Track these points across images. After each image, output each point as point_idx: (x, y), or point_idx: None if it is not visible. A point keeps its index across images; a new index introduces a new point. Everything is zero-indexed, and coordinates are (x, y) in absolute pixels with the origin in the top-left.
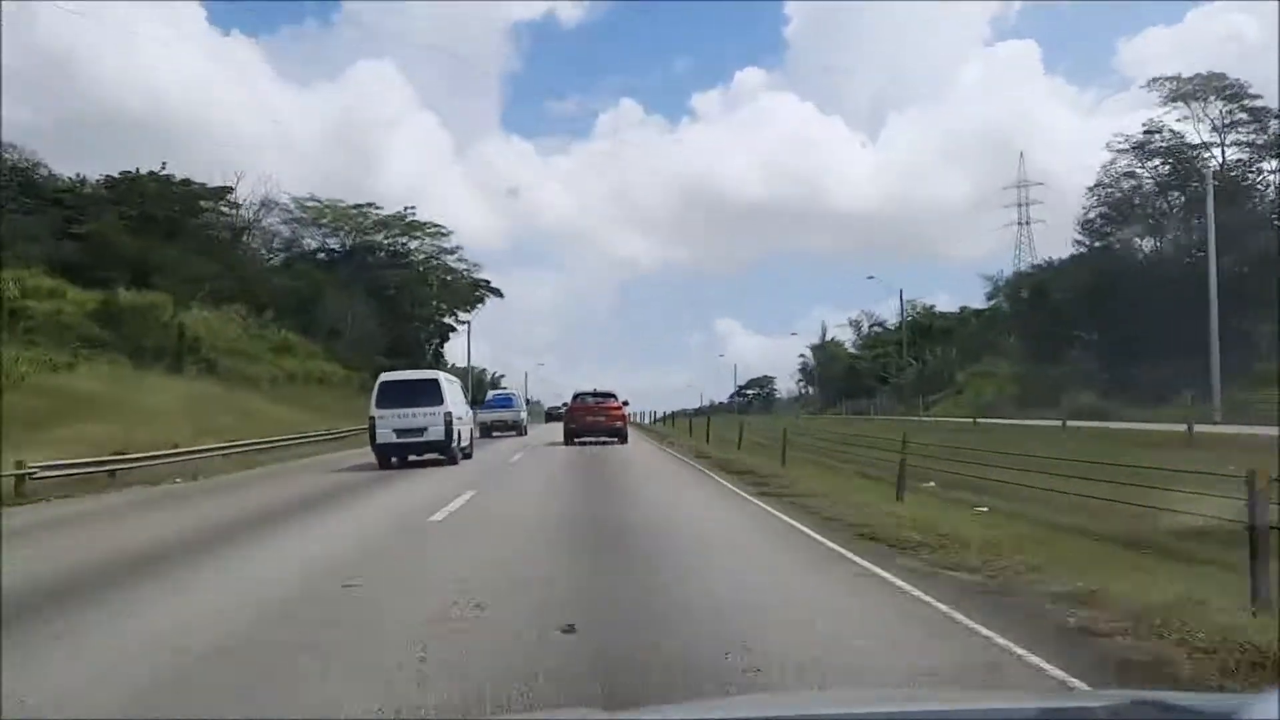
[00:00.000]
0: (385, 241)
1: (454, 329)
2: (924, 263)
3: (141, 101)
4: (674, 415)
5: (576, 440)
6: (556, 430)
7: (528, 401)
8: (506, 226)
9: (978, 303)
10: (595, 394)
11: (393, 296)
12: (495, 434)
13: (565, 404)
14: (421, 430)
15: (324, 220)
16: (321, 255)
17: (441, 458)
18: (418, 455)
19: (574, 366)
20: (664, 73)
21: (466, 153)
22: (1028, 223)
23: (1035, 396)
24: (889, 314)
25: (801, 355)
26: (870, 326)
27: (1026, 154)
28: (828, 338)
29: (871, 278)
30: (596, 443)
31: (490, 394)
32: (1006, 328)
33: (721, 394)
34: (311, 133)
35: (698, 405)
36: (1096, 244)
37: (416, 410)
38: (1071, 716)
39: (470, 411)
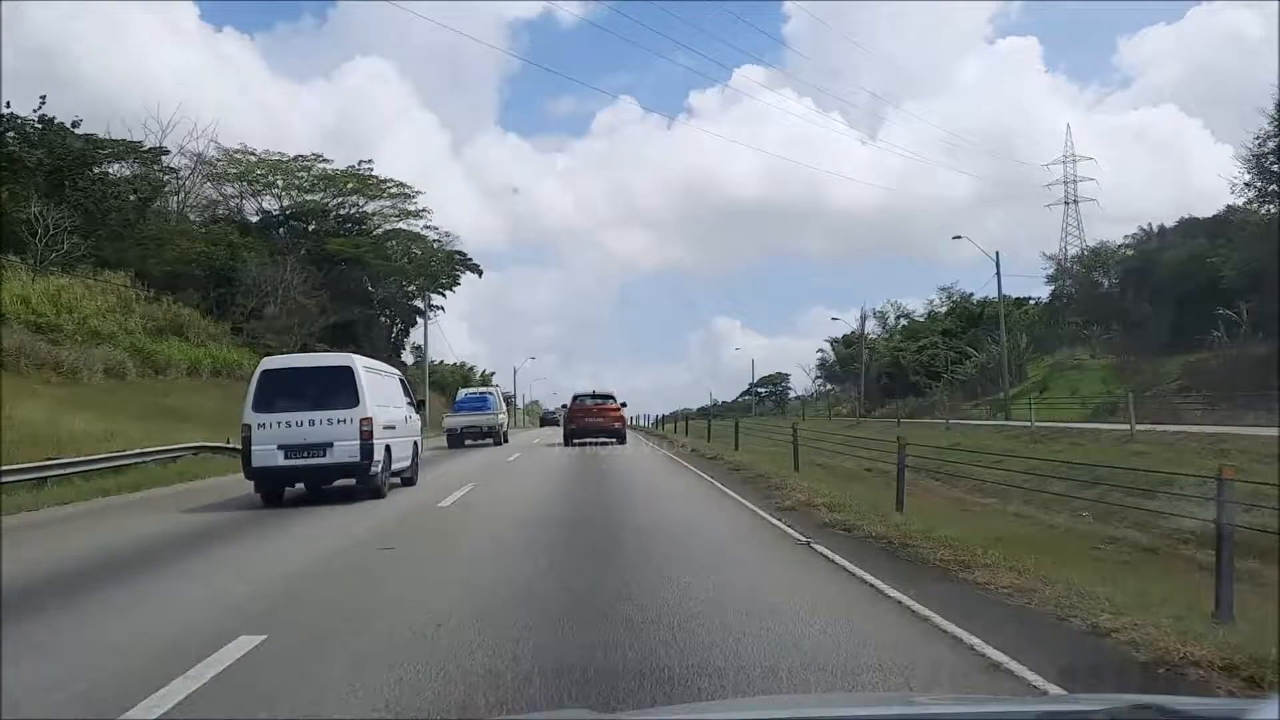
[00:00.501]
0: (335, 203)
1: (422, 313)
2: (926, 260)
3: (132, 100)
4: (666, 419)
5: (575, 441)
6: (550, 435)
7: (509, 399)
8: (504, 224)
9: (1002, 291)
10: (594, 395)
11: (344, 270)
12: (469, 443)
13: (564, 406)
14: (323, 447)
15: (255, 175)
16: (256, 219)
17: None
18: (324, 483)
19: (574, 365)
20: (662, 70)
21: (463, 150)
22: (1075, 201)
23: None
24: (918, 305)
25: (820, 351)
26: (897, 318)
27: (1027, 150)
28: (853, 331)
29: (958, 237)
30: (597, 443)
31: (462, 393)
32: (1077, 313)
33: (727, 392)
34: (305, 130)
35: (700, 405)
36: (1272, 187)
37: (317, 415)
38: None
39: (414, 416)
